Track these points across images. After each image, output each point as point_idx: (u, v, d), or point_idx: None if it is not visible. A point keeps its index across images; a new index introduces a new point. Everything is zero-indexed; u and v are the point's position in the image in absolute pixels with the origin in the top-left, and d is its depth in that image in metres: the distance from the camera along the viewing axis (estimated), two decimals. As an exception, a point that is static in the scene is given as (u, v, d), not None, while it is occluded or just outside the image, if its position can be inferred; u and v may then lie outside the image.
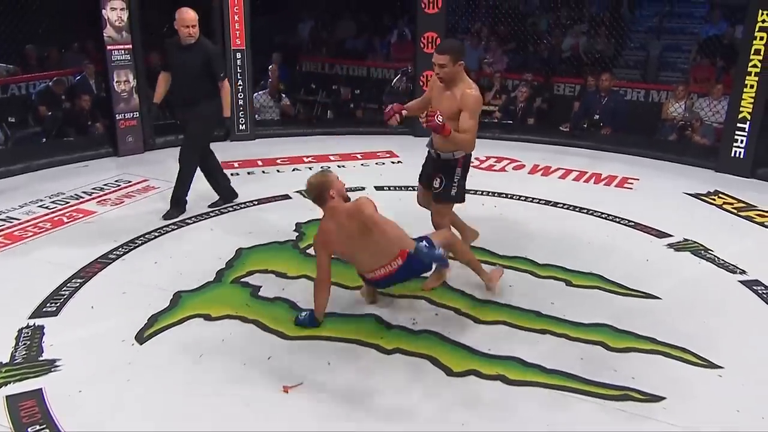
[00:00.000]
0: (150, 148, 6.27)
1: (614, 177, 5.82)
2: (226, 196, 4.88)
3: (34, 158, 5.75)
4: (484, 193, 5.18)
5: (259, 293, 3.53)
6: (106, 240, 4.17)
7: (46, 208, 4.76)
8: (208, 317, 3.28)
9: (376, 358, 2.98)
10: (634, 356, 3.01)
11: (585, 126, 7.08)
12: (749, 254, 4.13)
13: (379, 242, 3.05)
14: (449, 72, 3.33)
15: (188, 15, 4.32)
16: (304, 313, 3.25)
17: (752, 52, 5.63)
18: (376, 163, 6.21)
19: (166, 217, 4.55)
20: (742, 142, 5.84)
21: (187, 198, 4.67)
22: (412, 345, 3.06)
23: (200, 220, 4.59)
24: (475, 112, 3.37)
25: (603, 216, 4.82)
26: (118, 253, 4.01)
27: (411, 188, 5.38)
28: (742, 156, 5.85)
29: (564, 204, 5.06)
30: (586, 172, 5.96)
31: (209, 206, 4.77)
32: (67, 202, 4.89)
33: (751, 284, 3.73)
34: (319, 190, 3.18)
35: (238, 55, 6.65)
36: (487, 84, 8.05)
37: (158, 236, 4.30)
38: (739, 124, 5.83)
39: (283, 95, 7.81)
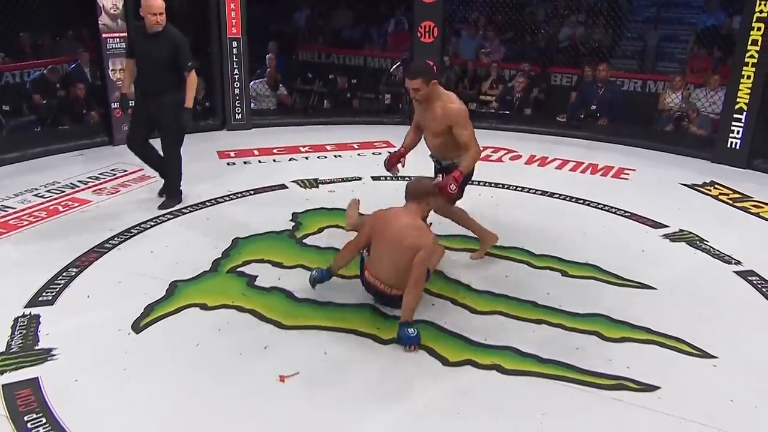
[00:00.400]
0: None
1: (611, 167, 5.82)
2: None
3: (29, 147, 5.72)
4: (481, 184, 5.17)
5: (256, 283, 3.52)
6: (101, 229, 4.15)
7: (41, 197, 4.74)
8: (204, 307, 3.27)
9: (372, 347, 2.98)
10: (629, 346, 3.02)
11: (582, 116, 7.07)
12: (744, 245, 4.14)
13: (398, 261, 3.10)
14: (425, 93, 3.43)
15: (155, 2, 4.18)
16: (315, 271, 3.35)
17: (749, 42, 5.63)
18: (373, 153, 6.20)
19: (161, 206, 4.53)
20: (738, 133, 5.84)
21: (181, 188, 4.65)
22: (408, 335, 3.06)
23: (196, 210, 4.58)
24: (464, 122, 3.47)
25: (599, 206, 4.82)
26: (113, 242, 4.00)
27: (407, 178, 5.38)
28: (738, 147, 5.86)
29: (560, 194, 5.06)
30: (583, 163, 5.96)
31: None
32: (63, 191, 4.87)
33: (745, 275, 3.74)
34: (424, 192, 3.29)
35: (234, 44, 6.61)
36: (485, 74, 8.03)
37: (154, 225, 4.28)
38: (735, 115, 5.83)
39: (281, 85, 7.78)
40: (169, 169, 4.60)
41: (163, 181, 4.73)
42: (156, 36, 4.25)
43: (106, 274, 3.60)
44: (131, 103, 4.69)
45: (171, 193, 4.63)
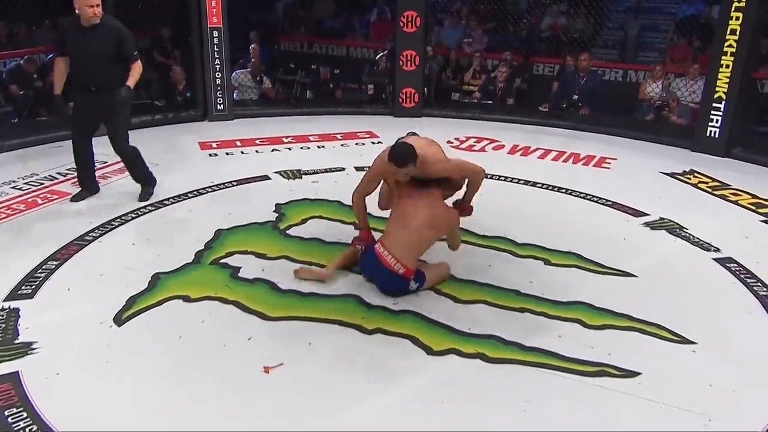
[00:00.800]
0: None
1: (592, 157, 5.86)
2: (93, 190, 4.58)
3: (6, 138, 5.62)
4: (464, 173, 5.18)
5: (239, 274, 3.50)
6: (82, 222, 4.10)
7: (20, 189, 4.66)
8: (187, 299, 3.25)
9: (357, 338, 2.98)
10: (610, 333, 3.05)
11: (564, 106, 7.10)
12: (723, 232, 4.20)
13: (419, 243, 3.26)
14: (415, 170, 3.24)
15: None
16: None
17: (728, 32, 5.67)
18: (356, 144, 6.18)
19: (141, 198, 4.47)
20: (717, 122, 5.90)
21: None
22: (392, 325, 3.07)
23: (178, 202, 4.53)
24: (448, 162, 3.41)
25: (581, 195, 4.86)
26: (94, 234, 3.95)
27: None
28: (717, 136, 5.92)
29: (543, 183, 5.09)
30: (565, 152, 5.99)
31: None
32: (41, 183, 4.80)
33: (724, 262, 3.79)
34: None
35: (215, 34, 6.53)
36: (467, 64, 8.03)
37: (135, 218, 4.24)
38: (714, 104, 5.88)
39: (265, 76, 7.71)
40: (133, 161, 4.43)
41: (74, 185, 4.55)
42: (95, 29, 4.05)
43: (86, 267, 3.56)
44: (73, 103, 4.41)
45: (145, 180, 4.53)
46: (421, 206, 3.29)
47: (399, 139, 3.53)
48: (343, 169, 5.33)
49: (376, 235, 3.50)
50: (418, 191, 3.34)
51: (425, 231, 3.28)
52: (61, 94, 4.27)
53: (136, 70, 4.20)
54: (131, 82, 4.17)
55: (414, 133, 3.67)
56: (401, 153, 3.19)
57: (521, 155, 5.93)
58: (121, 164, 5.06)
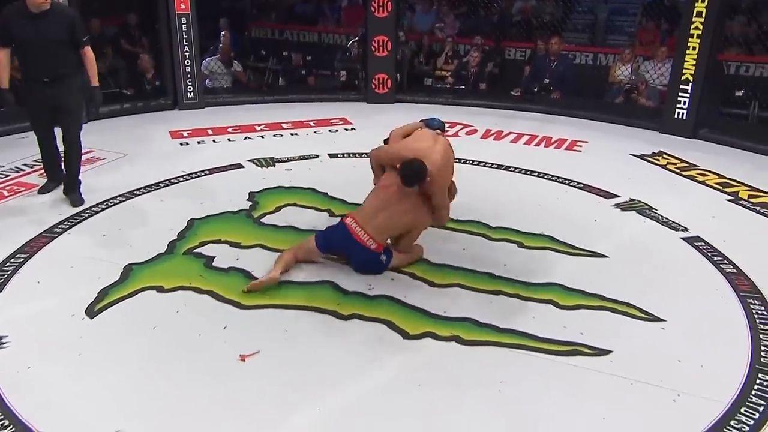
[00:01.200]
0: (94, 118, 6.01)
1: (564, 140, 5.91)
2: (61, 181, 4.36)
3: (-31, 130, 5.46)
4: (438, 158, 5.20)
5: (213, 264, 3.47)
6: (51, 213, 4.02)
7: (-15, 182, 4.55)
8: (160, 289, 3.21)
9: (333, 324, 2.98)
10: (582, 313, 3.10)
11: (535, 90, 7.14)
12: (691, 212, 4.28)
13: (392, 228, 3.32)
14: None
15: None
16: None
17: (694, 14, 5.75)
18: (330, 131, 6.15)
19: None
20: (684, 103, 6.00)
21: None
22: (368, 310, 3.07)
23: (149, 192, 4.47)
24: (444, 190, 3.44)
25: (553, 178, 4.91)
26: (64, 226, 3.88)
27: (365, 155, 5.36)
28: (684, 117, 6.02)
29: (515, 167, 5.12)
30: (537, 136, 6.04)
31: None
32: (8, 175, 4.69)
33: (692, 240, 3.87)
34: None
35: (183, 20, 6.41)
36: (440, 49, 8.02)
37: (106, 208, 4.17)
38: (682, 86, 5.98)
39: (235, 61, 7.61)
40: (77, 159, 4.22)
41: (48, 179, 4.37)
42: (44, 15, 3.82)
43: (56, 260, 3.49)
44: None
45: (75, 181, 4.24)
46: (405, 200, 3.31)
47: (423, 120, 3.61)
48: (317, 156, 5.30)
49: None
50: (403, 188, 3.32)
51: (400, 218, 3.33)
52: (8, 87, 4.04)
53: (93, 61, 4.05)
54: (95, 79, 4.05)
55: (435, 120, 3.68)
56: (411, 177, 3.22)
57: (494, 139, 5.97)
58: (91, 154, 4.96)
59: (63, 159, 4.29)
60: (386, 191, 3.36)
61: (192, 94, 6.71)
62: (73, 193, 4.22)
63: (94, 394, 2.49)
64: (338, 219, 3.54)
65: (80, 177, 4.28)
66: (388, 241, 3.43)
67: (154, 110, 6.59)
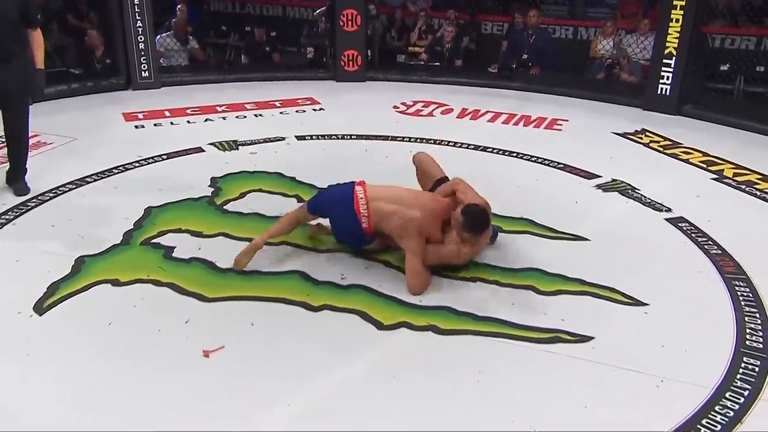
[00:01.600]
0: (39, 100, 5.87)
1: (543, 119, 5.96)
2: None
3: None
4: (412, 140, 5.19)
5: (173, 254, 3.44)
6: (-7, 204, 3.93)
7: None
8: (116, 282, 3.17)
9: (303, 316, 2.98)
10: (563, 298, 3.14)
11: (513, 66, 7.17)
12: (674, 192, 4.36)
13: (394, 220, 3.22)
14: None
15: None
16: None
17: (678, -16, 5.81)
18: (297, 111, 6.10)
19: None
20: (668, 78, 6.09)
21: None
22: (340, 301, 3.07)
23: (102, 178, 4.39)
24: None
25: (532, 159, 4.95)
26: (7, 217, 3.80)
27: (334, 137, 5.35)
28: (668, 93, 6.11)
29: (493, 148, 5.15)
30: (516, 115, 6.08)
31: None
32: (-55, 164, 4.56)
33: (676, 221, 3.95)
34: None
35: (136, -7, 6.27)
36: (412, 23, 7.99)
37: (54, 197, 4.09)
38: (665, 60, 6.06)
39: (191, 37, 7.48)
40: (24, 144, 4.12)
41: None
42: None
43: (0, 253, 3.41)
44: None
45: (21, 170, 4.14)
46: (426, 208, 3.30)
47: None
48: (284, 138, 5.26)
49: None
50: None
51: (407, 212, 3.22)
52: None
53: (41, 43, 3.95)
54: (41, 62, 3.94)
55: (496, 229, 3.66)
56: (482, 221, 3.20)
57: (470, 119, 5.98)
58: (36, 138, 4.84)
59: (7, 146, 4.18)
60: (416, 196, 3.38)
61: (147, 73, 6.59)
62: (18, 182, 4.13)
63: (44, 398, 2.44)
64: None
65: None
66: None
67: (105, 90, 6.46)
